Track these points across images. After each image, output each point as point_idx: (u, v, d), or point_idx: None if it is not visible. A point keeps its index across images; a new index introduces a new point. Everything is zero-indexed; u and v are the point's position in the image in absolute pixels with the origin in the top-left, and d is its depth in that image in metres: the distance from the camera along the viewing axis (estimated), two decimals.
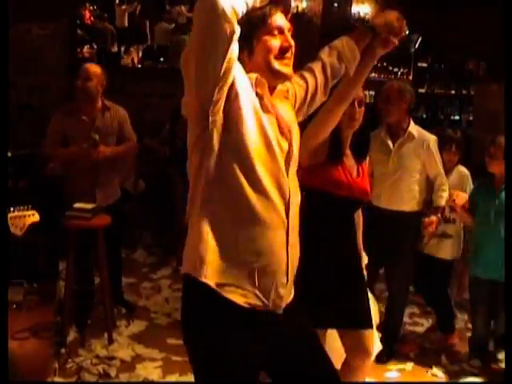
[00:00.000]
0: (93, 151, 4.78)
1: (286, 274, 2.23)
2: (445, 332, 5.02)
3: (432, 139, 4.52)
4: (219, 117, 2.09)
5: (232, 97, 2.09)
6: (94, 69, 4.96)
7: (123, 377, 4.24)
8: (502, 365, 4.47)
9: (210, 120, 2.08)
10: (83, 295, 4.97)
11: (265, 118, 2.17)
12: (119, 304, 5.28)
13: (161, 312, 5.34)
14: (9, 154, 5.59)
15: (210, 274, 2.12)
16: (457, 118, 9.83)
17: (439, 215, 4.56)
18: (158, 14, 11.95)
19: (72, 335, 4.71)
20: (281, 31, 2.24)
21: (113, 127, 5.01)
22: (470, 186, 4.95)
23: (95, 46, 10.85)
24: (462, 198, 4.53)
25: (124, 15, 12.10)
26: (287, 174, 2.22)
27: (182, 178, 6.38)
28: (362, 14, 10.47)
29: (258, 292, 2.17)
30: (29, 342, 3.35)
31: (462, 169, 5.02)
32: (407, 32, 2.57)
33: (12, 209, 3.41)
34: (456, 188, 4.77)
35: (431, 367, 4.56)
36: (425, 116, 10.23)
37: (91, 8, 12.12)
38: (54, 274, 5.34)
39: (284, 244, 2.22)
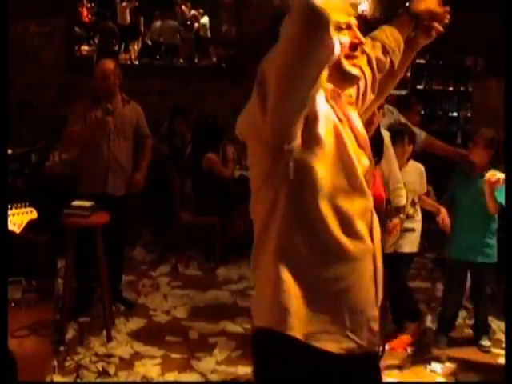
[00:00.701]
0: (107, 119, 4.89)
1: (376, 305, 2.00)
2: (403, 322, 4.88)
3: (386, 134, 4.37)
4: (297, 143, 1.82)
5: (311, 118, 1.83)
6: (109, 66, 5.05)
7: (122, 374, 4.23)
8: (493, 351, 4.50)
9: (286, 148, 1.82)
10: (82, 292, 5.01)
11: (345, 136, 1.91)
12: (118, 301, 5.28)
13: (159, 309, 5.34)
14: (9, 152, 5.60)
15: (297, 325, 1.87)
16: (455, 114, 9.82)
17: (402, 215, 4.40)
18: (154, 10, 11.89)
19: (71, 333, 4.71)
20: (348, 26, 1.97)
21: (131, 120, 5.18)
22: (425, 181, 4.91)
23: (92, 43, 10.83)
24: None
25: (125, 12, 12.04)
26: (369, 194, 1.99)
27: (178, 176, 6.39)
28: (359, 12, 10.47)
29: (349, 333, 1.92)
30: (28, 339, 3.36)
31: (417, 164, 4.87)
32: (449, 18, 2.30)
33: (10, 206, 3.41)
34: (414, 183, 4.71)
35: (430, 363, 4.55)
36: (423, 112, 10.22)
37: (89, 6, 12.08)
38: (53, 272, 5.34)
39: (372, 274, 1.98)
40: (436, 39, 2.33)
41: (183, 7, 11.94)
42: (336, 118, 1.93)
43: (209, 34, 11.14)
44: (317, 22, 1.63)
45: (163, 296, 5.67)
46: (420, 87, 9.49)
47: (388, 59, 2.23)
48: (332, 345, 1.90)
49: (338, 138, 1.89)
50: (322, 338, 1.89)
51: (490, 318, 5.09)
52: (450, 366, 4.51)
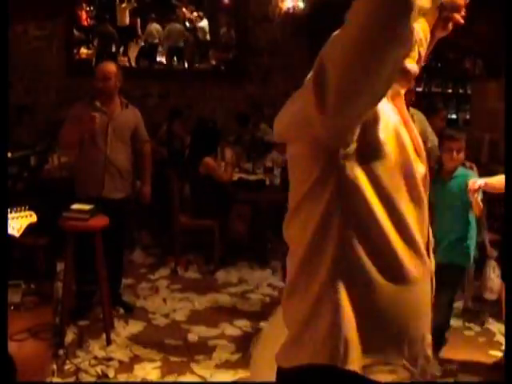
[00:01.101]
0: (94, 114, 4.84)
1: (430, 329, 1.82)
2: None
3: None
4: (353, 147, 1.58)
5: (370, 120, 1.59)
6: (111, 68, 5.04)
7: (121, 377, 4.23)
8: None
9: (343, 152, 1.58)
10: (82, 296, 5.01)
11: (405, 140, 1.68)
12: (117, 305, 5.27)
13: (159, 313, 5.33)
14: (8, 155, 5.60)
15: (357, 358, 1.64)
16: (454, 116, 9.82)
17: None
18: (149, 12, 11.92)
19: (70, 336, 4.71)
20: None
21: (129, 124, 5.16)
22: None
23: (91, 46, 10.85)
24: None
25: (125, 13, 12.08)
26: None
27: (177, 179, 6.40)
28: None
29: (406, 363, 1.72)
30: (27, 343, 3.35)
31: None
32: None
33: (9, 210, 3.40)
34: None
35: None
36: None
37: (88, 9, 12.11)
38: (52, 275, 5.34)
39: (429, 297, 1.78)
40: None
41: (184, 10, 11.99)
42: (398, 119, 1.70)
43: (208, 37, 11.17)
44: (401, 6, 1.35)
45: (162, 299, 5.66)
46: (419, 89, 9.48)
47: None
48: (386, 376, 1.70)
49: (400, 142, 1.66)
50: (377, 369, 1.68)
51: (490, 320, 5.11)
52: (449, 366, 4.52)
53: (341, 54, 1.41)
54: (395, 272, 1.65)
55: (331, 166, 1.60)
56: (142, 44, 11.66)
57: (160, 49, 11.24)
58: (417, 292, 1.70)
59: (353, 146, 1.57)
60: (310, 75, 1.55)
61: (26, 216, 3.50)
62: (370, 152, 1.60)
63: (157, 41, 11.43)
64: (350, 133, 1.55)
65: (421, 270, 1.69)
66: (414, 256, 1.67)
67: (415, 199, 1.69)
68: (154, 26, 11.62)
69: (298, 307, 1.72)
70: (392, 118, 1.67)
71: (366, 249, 1.62)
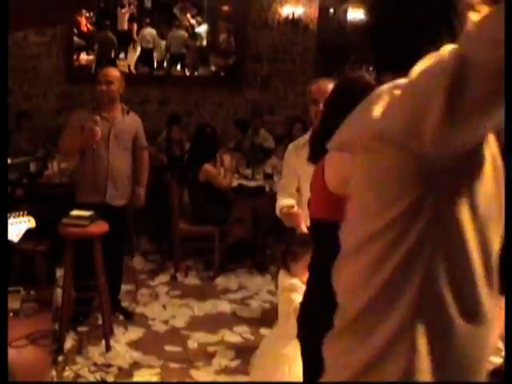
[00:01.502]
0: (94, 128, 4.82)
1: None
2: None
3: None
4: (461, 165, 1.36)
5: None
6: (115, 72, 5.07)
7: None
8: None
9: (449, 172, 1.35)
10: (81, 302, 5.00)
11: (498, 161, 1.48)
12: (117, 311, 5.27)
13: (158, 319, 5.33)
14: (8, 161, 5.60)
15: None
16: None
17: None
18: (145, 18, 11.96)
19: (69, 343, 4.70)
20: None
21: (130, 130, 5.17)
22: None
23: (91, 53, 10.88)
24: None
25: (125, 18, 12.09)
26: None
27: (177, 185, 6.40)
28: (358, 20, 10.48)
29: None
30: (26, 349, 3.35)
31: None
32: None
33: (8, 215, 3.40)
34: None
35: None
36: None
37: (87, 15, 12.13)
38: (52, 281, 5.33)
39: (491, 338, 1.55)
40: None
41: (188, 16, 12.00)
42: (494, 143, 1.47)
43: (204, 43, 11.19)
44: None
45: (162, 305, 5.65)
46: None
47: None
48: None
49: (495, 164, 1.46)
50: None
51: None
52: None
53: (493, 59, 1.14)
54: (474, 312, 1.45)
55: (430, 187, 1.36)
56: (139, 50, 11.68)
57: (155, 54, 11.27)
58: (488, 334, 1.50)
59: (460, 165, 1.35)
60: (417, 71, 1.31)
61: (25, 221, 3.50)
62: (473, 174, 1.38)
63: (151, 45, 11.45)
64: (464, 150, 1.32)
65: (493, 305, 1.49)
66: (490, 291, 1.47)
67: (500, 229, 1.48)
68: (148, 31, 11.62)
69: (361, 347, 1.48)
70: (492, 141, 1.45)
71: (450, 284, 1.41)
